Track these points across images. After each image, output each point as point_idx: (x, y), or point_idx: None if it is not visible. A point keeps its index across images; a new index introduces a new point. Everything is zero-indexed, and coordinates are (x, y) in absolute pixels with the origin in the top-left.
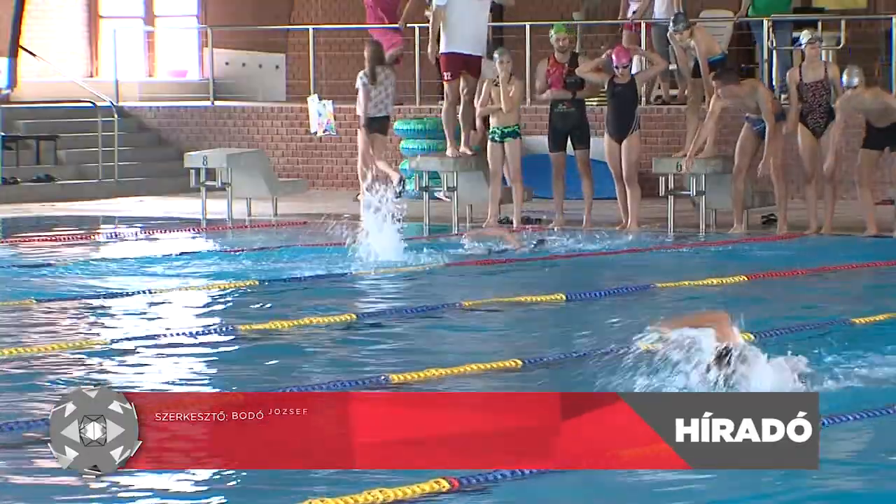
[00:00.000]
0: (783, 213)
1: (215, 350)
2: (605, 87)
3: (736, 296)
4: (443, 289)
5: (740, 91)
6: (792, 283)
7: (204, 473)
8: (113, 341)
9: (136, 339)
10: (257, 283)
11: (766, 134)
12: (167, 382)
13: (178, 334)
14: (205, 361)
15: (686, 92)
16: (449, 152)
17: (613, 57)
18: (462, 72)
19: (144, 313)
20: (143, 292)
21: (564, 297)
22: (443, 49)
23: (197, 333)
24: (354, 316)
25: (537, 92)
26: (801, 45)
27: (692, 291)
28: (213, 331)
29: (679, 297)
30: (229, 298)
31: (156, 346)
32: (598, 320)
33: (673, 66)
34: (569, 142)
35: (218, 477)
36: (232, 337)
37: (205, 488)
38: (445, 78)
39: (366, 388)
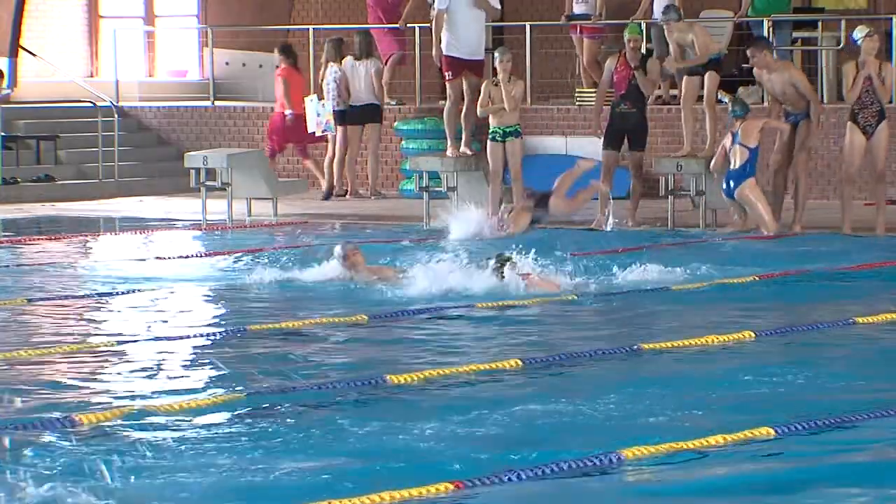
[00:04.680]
0: (800, 212)
1: (214, 351)
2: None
3: None
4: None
5: (774, 65)
6: None
7: (203, 474)
8: (110, 342)
9: (134, 340)
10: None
11: (803, 123)
12: (163, 383)
13: (177, 335)
14: (203, 362)
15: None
16: (449, 152)
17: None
18: (464, 72)
19: (143, 314)
20: (138, 291)
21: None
22: (444, 51)
23: (196, 334)
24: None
25: (599, 89)
26: (855, 40)
27: None
28: (212, 331)
29: None
30: (228, 298)
31: (155, 346)
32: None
33: None
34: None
35: (217, 477)
36: (231, 337)
37: (204, 489)
38: (447, 78)
39: (365, 387)
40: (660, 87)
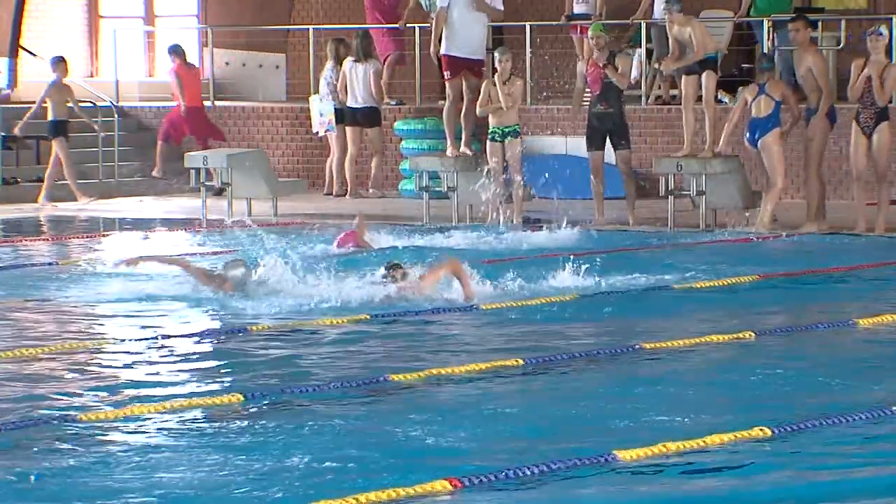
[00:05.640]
0: (812, 210)
1: (214, 350)
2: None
3: None
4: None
5: (804, 47)
6: None
7: (203, 473)
8: (110, 342)
9: (134, 340)
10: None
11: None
12: (164, 383)
13: (177, 335)
14: (204, 362)
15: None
16: (449, 152)
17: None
18: (464, 71)
19: (143, 314)
20: (138, 290)
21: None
22: (443, 51)
23: (196, 334)
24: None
25: (575, 93)
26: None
27: None
28: (212, 331)
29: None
30: (228, 298)
31: (153, 346)
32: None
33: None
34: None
35: (217, 477)
36: (231, 337)
37: (204, 488)
38: (446, 77)
39: (365, 387)
40: (660, 87)
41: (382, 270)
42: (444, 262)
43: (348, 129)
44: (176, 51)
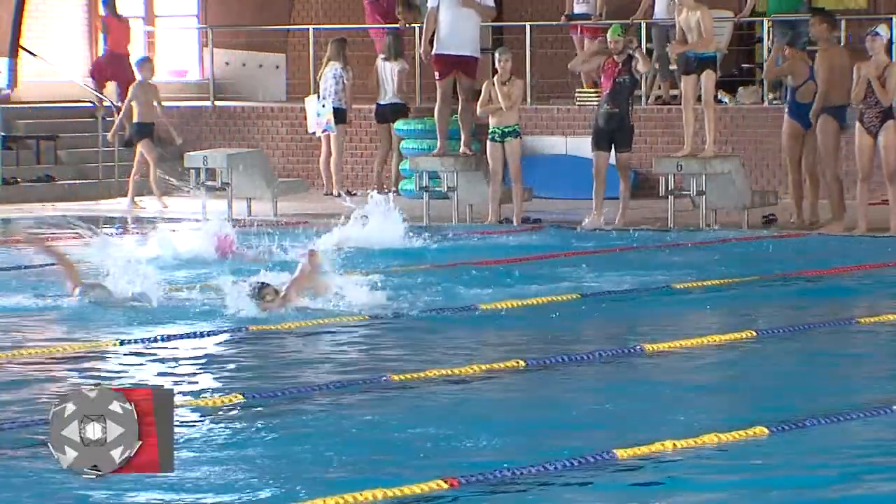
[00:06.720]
0: (837, 209)
1: (214, 351)
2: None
3: None
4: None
5: (821, 44)
6: None
7: (203, 473)
8: (109, 342)
9: (133, 340)
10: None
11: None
12: (164, 383)
13: (176, 335)
14: (204, 362)
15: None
16: (438, 150)
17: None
18: (456, 71)
19: (142, 314)
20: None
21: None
22: (434, 50)
23: (196, 334)
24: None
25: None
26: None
27: None
28: (212, 331)
29: None
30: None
31: (153, 346)
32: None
33: (673, 67)
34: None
35: (217, 476)
36: (231, 337)
37: (204, 488)
38: (436, 77)
39: (365, 387)
40: (660, 87)
41: (249, 290)
42: (300, 269)
43: (379, 127)
44: (106, 2)
